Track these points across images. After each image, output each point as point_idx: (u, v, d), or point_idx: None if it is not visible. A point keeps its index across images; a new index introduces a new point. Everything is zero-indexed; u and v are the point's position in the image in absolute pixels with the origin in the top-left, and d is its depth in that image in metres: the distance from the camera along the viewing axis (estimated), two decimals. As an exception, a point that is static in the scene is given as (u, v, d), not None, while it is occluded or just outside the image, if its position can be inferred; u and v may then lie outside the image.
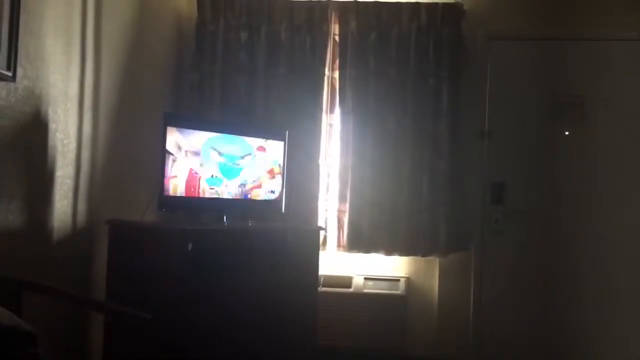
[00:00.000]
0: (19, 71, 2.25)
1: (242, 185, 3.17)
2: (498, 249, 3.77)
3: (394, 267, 3.81)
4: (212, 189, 3.03)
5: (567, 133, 3.77)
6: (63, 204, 2.65)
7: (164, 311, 2.47)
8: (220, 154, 3.06)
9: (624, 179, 3.69)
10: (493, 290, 3.75)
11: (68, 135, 2.67)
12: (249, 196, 3.21)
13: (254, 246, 3.00)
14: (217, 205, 3.08)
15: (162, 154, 2.84)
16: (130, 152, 3.20)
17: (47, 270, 2.49)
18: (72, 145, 2.72)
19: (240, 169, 3.15)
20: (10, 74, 2.18)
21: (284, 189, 3.38)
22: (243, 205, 3.22)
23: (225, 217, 3.09)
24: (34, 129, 2.43)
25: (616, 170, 3.70)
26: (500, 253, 3.77)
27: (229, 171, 3.11)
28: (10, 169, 2.30)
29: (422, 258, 3.73)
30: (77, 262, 2.80)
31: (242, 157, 3.17)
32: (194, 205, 3.02)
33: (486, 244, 3.77)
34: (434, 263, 3.78)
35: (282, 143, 3.37)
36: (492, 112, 3.79)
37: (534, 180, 3.77)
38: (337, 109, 3.82)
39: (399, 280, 3.74)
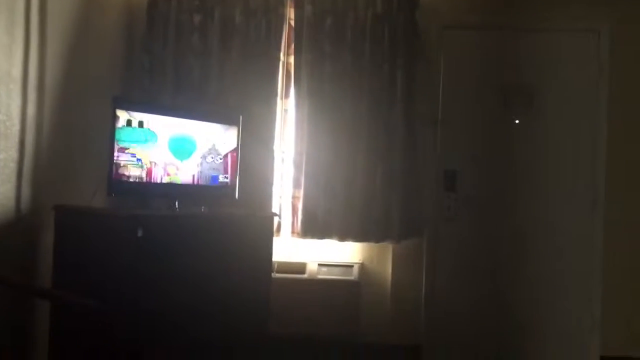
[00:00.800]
0: (-43, 49, 2.14)
1: (195, 170, 3.12)
2: (450, 236, 3.83)
3: (348, 253, 3.83)
4: (163, 174, 2.97)
5: (517, 122, 3.85)
6: (6, 188, 2.55)
7: (112, 298, 2.41)
8: (171, 138, 2.99)
9: (571, 166, 3.81)
10: (445, 276, 3.81)
11: (11, 117, 2.56)
12: (201, 182, 3.15)
13: (206, 233, 2.96)
14: (169, 190, 3.02)
15: (111, 138, 2.76)
16: (78, 135, 3.10)
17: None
18: (15, 128, 2.61)
19: (192, 153, 3.10)
20: (-54, 51, 2.07)
21: (238, 175, 3.34)
22: (195, 191, 3.17)
23: (177, 203, 3.04)
24: (-27, 110, 2.32)
25: (564, 158, 3.81)
26: (452, 239, 3.83)
27: (180, 155, 3.05)
28: (-53, 151, 2.19)
29: (376, 244, 3.75)
30: (22, 249, 2.70)
31: (194, 142, 3.12)
32: (144, 191, 2.95)
33: (439, 231, 3.82)
34: (388, 249, 3.81)
35: (236, 128, 3.32)
36: (445, 100, 3.84)
37: (485, 168, 3.84)
38: (292, 95, 3.79)
39: (352, 266, 3.76)
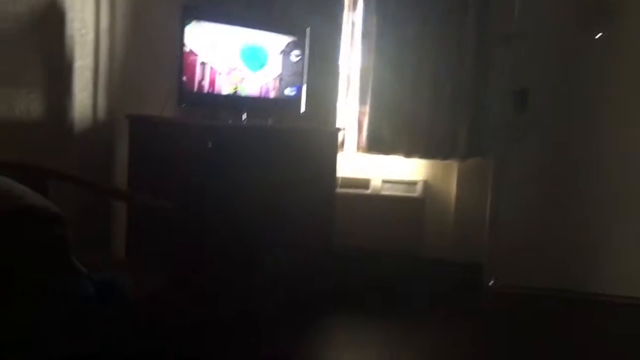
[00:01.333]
0: (34, -46, 2.17)
1: (263, 82, 3.12)
2: (518, 157, 3.72)
3: (411, 170, 3.81)
4: (232, 85, 2.99)
5: (597, 37, 3.61)
6: (83, 96, 2.64)
7: (182, 203, 2.50)
8: (241, 48, 2.99)
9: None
10: (510, 197, 3.74)
11: (85, 25, 2.61)
12: (269, 95, 3.16)
13: (272, 145, 2.99)
14: (236, 102, 3.05)
15: (180, 48, 2.78)
16: (148, 45, 3.13)
17: (70, 161, 2.51)
18: (90, 36, 2.66)
19: (263, 64, 3.09)
20: (24, -45, 2.10)
21: (304, 89, 3.32)
22: (262, 104, 3.18)
23: (244, 115, 3.07)
24: (50, 18, 2.37)
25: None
26: (519, 160, 3.72)
27: (252, 65, 3.05)
28: (29, 57, 2.28)
29: (441, 162, 3.72)
30: (99, 155, 2.82)
31: (263, 54, 3.10)
32: (213, 102, 2.98)
33: (506, 151, 3.72)
34: (453, 167, 3.77)
35: (303, 41, 3.27)
36: (520, 13, 3.62)
37: (559, 87, 3.66)
38: (360, 7, 3.68)
39: (416, 183, 3.75)
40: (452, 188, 3.80)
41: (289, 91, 3.25)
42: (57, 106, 2.47)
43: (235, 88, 3.01)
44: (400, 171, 3.80)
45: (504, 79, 3.65)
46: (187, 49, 2.77)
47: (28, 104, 2.28)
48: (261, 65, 3.08)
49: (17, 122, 2.25)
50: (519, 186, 3.73)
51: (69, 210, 1.64)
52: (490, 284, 3.74)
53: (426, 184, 3.79)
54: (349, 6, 3.68)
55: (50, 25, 2.38)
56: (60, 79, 2.48)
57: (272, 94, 3.17)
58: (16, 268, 1.53)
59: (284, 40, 3.18)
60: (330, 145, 3.36)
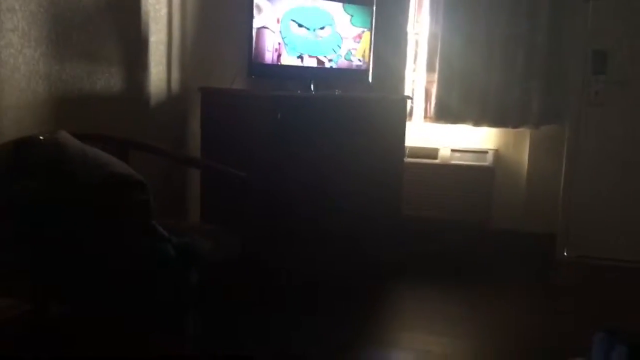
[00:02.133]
0: None
1: (329, 50, 3.12)
2: (596, 123, 3.57)
3: (482, 139, 3.73)
4: (297, 58, 3.01)
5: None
6: (158, 70, 2.73)
7: (254, 172, 2.56)
8: (300, 25, 2.99)
9: None
10: (587, 167, 3.60)
11: (159, 0, 2.69)
12: (336, 65, 3.16)
13: (340, 115, 3.00)
14: (305, 73, 3.07)
15: (249, 20, 2.82)
16: (218, 18, 3.20)
17: (147, 132, 2.62)
18: (164, 11, 2.74)
19: (321, 40, 3.09)
20: None
21: (371, 58, 3.30)
22: (330, 74, 3.19)
23: (312, 86, 3.09)
24: (126, -6, 2.46)
25: None
26: (598, 127, 3.57)
27: (309, 44, 3.06)
28: (108, 32, 2.37)
29: (513, 130, 3.62)
30: (173, 126, 2.93)
31: (323, 28, 3.09)
32: (282, 73, 3.02)
33: (583, 117, 3.57)
34: (525, 135, 3.67)
35: (370, 8, 3.24)
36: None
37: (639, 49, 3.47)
38: (428, -28, 3.61)
39: (486, 152, 3.67)
40: (524, 157, 3.70)
41: (356, 60, 3.24)
42: (135, 80, 2.58)
43: (301, 61, 3.03)
44: (469, 140, 3.73)
45: (580, 40, 3.49)
46: (256, 21, 2.81)
47: (108, 79, 2.39)
48: (318, 43, 3.08)
49: (99, 96, 2.36)
50: (596, 154, 3.59)
51: (148, 178, 1.72)
52: (564, 254, 3.64)
53: (497, 153, 3.70)
54: (416, -28, 3.61)
55: (127, 1, 2.46)
56: (137, 53, 2.58)
57: (338, 65, 3.17)
58: (103, 230, 1.63)
59: (351, 8, 3.15)
60: (398, 115, 3.34)
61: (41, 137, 1.80)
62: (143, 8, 2.57)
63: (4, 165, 1.67)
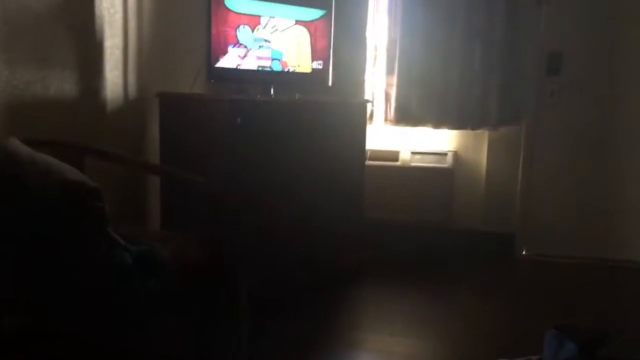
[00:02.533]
0: None
1: (283, 58, 3.12)
2: (551, 123, 3.66)
3: (441, 141, 3.78)
4: (257, 61, 3.00)
5: (633, -2, 3.51)
6: (114, 75, 2.68)
7: (214, 177, 2.53)
8: (263, 26, 2.99)
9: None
10: (543, 166, 3.70)
11: (114, 4, 2.64)
12: (294, 69, 3.16)
13: (301, 119, 3.00)
14: (264, 77, 3.06)
15: (208, 23, 2.79)
16: (176, 23, 3.16)
17: (103, 139, 2.57)
18: (119, 15, 2.69)
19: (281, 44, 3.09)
20: None
21: (330, 62, 3.30)
22: (290, 78, 3.19)
23: (272, 90, 3.08)
24: (79, -3, 2.41)
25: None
26: (553, 127, 3.66)
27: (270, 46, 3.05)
28: (61, 36, 2.32)
29: (471, 132, 3.68)
30: (131, 132, 2.87)
31: (284, 30, 3.09)
32: (241, 77, 3.00)
33: (539, 118, 3.66)
34: (483, 137, 3.73)
35: (328, 13, 3.25)
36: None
37: (594, 50, 3.57)
38: (385, -23, 3.64)
39: (446, 154, 3.73)
40: (483, 158, 3.77)
41: (315, 64, 3.24)
42: (90, 85, 2.52)
43: (260, 65, 3.02)
44: (429, 142, 3.78)
45: (536, 43, 3.57)
46: (214, 24, 2.79)
47: (62, 83, 2.33)
48: (279, 43, 3.08)
49: (52, 101, 2.30)
50: (552, 155, 3.68)
51: (104, 185, 1.68)
52: (523, 253, 3.72)
53: (456, 155, 3.76)
54: (374, -24, 3.64)
55: (80, 5, 2.41)
56: (92, 58, 2.53)
57: (297, 69, 3.17)
58: (56, 240, 1.59)
59: (310, 13, 3.16)
60: (358, 118, 3.35)
61: (-10, 145, 1.75)
62: (97, 12, 2.51)
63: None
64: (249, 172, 2.75)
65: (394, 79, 3.65)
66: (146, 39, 2.92)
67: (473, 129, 3.64)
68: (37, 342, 1.66)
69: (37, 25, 2.20)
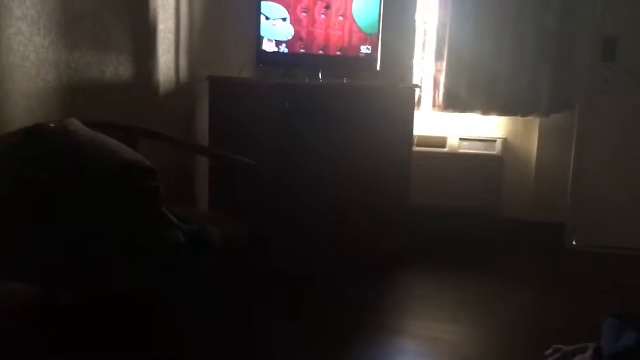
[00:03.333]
0: None
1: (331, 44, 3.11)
2: (606, 111, 3.54)
3: (491, 128, 3.72)
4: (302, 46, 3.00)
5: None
6: (166, 58, 2.73)
7: (261, 161, 2.56)
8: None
9: None
10: (596, 155, 3.59)
11: (167, -12, 2.69)
12: (345, 53, 3.15)
13: (349, 103, 2.99)
14: (312, 61, 3.06)
15: (257, 8, 2.81)
16: (226, 7, 3.19)
17: (155, 120, 2.62)
18: (171, 0, 2.74)
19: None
20: None
21: (380, 47, 3.28)
22: (338, 62, 3.18)
23: (320, 74, 3.08)
24: (135, -18, 2.46)
25: None
26: (608, 115, 3.55)
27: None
28: (117, 21, 2.37)
29: (522, 119, 3.60)
30: (181, 114, 2.93)
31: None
32: (290, 61, 3.02)
33: (593, 105, 3.55)
34: (534, 124, 3.65)
35: (378, -3, 3.23)
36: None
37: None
38: (437, -40, 3.58)
39: (495, 141, 3.66)
40: (533, 146, 3.68)
41: (364, 49, 3.23)
42: (143, 68, 2.58)
43: (306, 49, 3.02)
44: (478, 129, 3.71)
45: (590, 27, 3.46)
46: (263, 9, 2.80)
47: (117, 67, 2.39)
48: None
49: (108, 85, 2.37)
50: (606, 143, 3.57)
51: (157, 165, 1.72)
52: (573, 244, 3.63)
53: (505, 142, 3.69)
54: (425, -40, 3.59)
55: (135, -11, 2.47)
56: (146, 42, 2.58)
57: (346, 53, 3.16)
58: (113, 217, 1.64)
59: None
60: (406, 104, 3.33)
61: (51, 125, 1.81)
62: (151, -4, 2.56)
63: (16, 153, 1.68)
64: (297, 156, 2.77)
65: (443, 65, 3.60)
66: (197, 23, 2.96)
67: (523, 115, 3.56)
68: (91, 317, 1.72)
69: (94, 9, 2.26)
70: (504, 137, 3.70)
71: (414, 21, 3.59)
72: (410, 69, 3.62)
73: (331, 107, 2.91)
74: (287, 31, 2.94)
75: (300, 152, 2.78)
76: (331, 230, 2.92)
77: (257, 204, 2.64)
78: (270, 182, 2.68)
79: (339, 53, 3.13)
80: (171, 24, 2.75)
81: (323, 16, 3.04)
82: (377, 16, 3.20)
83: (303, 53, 3.01)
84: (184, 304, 1.94)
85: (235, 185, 2.71)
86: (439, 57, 3.66)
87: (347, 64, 3.23)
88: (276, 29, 2.91)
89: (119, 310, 1.75)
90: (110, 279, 1.71)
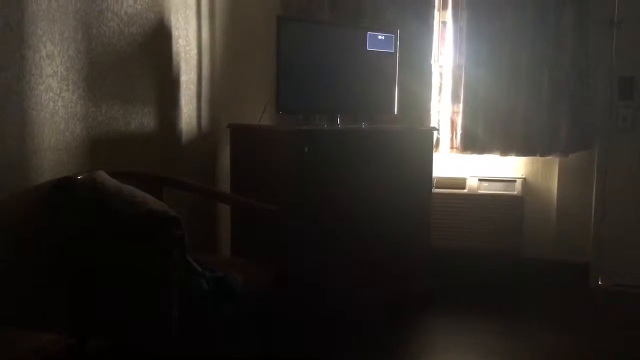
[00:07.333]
0: (143, -22, 2.35)
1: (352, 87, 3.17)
2: (625, 149, 3.54)
3: (510, 168, 3.72)
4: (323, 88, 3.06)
5: None
6: (189, 108, 2.82)
7: (283, 206, 2.58)
8: (327, 55, 3.05)
9: None
10: (618, 193, 3.56)
11: (189, 41, 2.79)
12: (363, 97, 3.20)
13: (367, 147, 3.03)
14: (332, 106, 3.12)
15: (277, 56, 2.89)
16: (245, 57, 3.28)
17: (178, 168, 2.69)
18: (193, 52, 2.83)
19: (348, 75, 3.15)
20: (135, -20, 2.29)
21: (396, 90, 3.34)
22: (356, 106, 3.24)
23: (338, 119, 3.13)
24: (158, 36, 2.56)
25: None
26: (627, 154, 3.54)
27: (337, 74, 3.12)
28: (141, 74, 2.46)
29: (541, 158, 3.60)
30: (203, 162, 2.99)
31: (352, 60, 3.15)
32: (309, 107, 3.07)
33: (612, 144, 3.55)
34: (553, 163, 3.64)
35: (393, 42, 3.30)
36: (622, -2, 3.45)
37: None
38: (450, 6, 3.66)
39: (515, 181, 3.65)
40: (554, 185, 3.67)
41: (382, 93, 3.28)
42: (167, 118, 2.66)
43: (327, 93, 3.08)
44: (497, 169, 3.72)
45: (607, 67, 3.49)
46: (282, 57, 2.88)
47: (142, 118, 2.47)
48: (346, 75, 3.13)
49: (133, 135, 2.44)
50: (627, 180, 3.55)
51: (180, 213, 1.76)
52: (599, 283, 3.57)
53: (525, 182, 3.68)
54: (439, 4, 3.67)
55: (159, 42, 2.56)
56: (169, 93, 2.67)
57: (366, 96, 3.22)
58: (139, 265, 1.67)
59: (375, 42, 3.21)
60: (425, 146, 3.35)
61: (80, 177, 1.87)
62: (174, 49, 2.66)
63: (45, 204, 1.73)
64: (317, 201, 2.80)
65: (460, 107, 3.64)
66: (218, 73, 3.06)
67: (542, 155, 3.56)
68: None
69: (120, 64, 2.35)
70: (524, 176, 3.70)
71: (430, 65, 3.65)
72: (427, 112, 3.66)
73: (350, 151, 2.95)
74: (305, 79, 3.01)
75: (321, 196, 2.80)
76: (353, 273, 2.92)
77: (280, 249, 2.66)
78: (291, 226, 2.70)
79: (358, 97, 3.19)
80: (193, 75, 2.84)
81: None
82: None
83: (320, 98, 3.06)
84: (210, 350, 1.95)
85: (257, 229, 2.74)
86: (455, 99, 3.70)
87: (364, 107, 3.28)
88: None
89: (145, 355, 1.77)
90: (136, 327, 1.73)
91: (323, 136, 2.90)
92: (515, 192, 3.60)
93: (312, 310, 2.69)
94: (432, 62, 3.66)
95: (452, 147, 3.74)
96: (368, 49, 3.19)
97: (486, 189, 3.64)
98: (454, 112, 3.72)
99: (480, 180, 3.68)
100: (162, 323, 1.68)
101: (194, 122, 2.88)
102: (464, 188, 3.67)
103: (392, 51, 3.28)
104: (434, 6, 3.63)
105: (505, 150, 3.59)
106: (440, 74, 3.76)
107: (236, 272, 2.02)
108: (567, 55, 3.42)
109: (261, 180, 2.81)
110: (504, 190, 3.62)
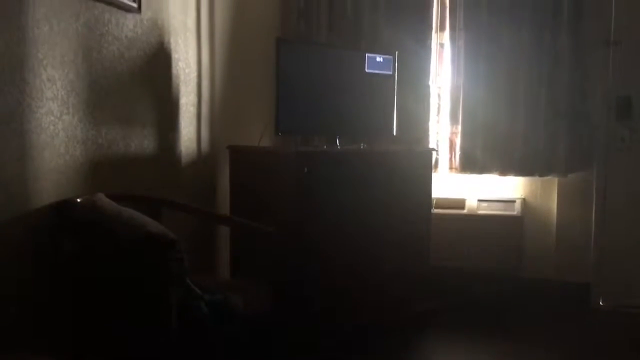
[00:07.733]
0: (143, 3, 2.38)
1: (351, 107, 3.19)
2: (623, 169, 3.54)
3: (509, 189, 3.72)
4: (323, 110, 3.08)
5: None
6: (188, 130, 2.83)
7: (283, 227, 2.58)
8: (326, 77, 3.08)
9: None
10: (618, 213, 3.55)
11: (189, 64, 2.81)
12: (362, 119, 3.22)
13: (367, 168, 3.04)
14: (331, 128, 3.13)
15: (276, 79, 2.91)
16: (244, 79, 3.31)
17: (178, 190, 2.69)
18: (193, 75, 2.85)
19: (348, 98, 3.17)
20: (135, 5, 2.32)
21: (394, 111, 3.36)
22: (355, 127, 3.25)
23: (337, 140, 3.15)
24: (158, 59, 2.58)
25: None
26: (625, 172, 3.54)
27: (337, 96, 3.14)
28: (141, 96, 2.48)
29: (540, 178, 3.61)
30: (203, 184, 3.00)
31: (351, 82, 3.17)
32: (308, 129, 3.09)
33: (610, 164, 3.56)
34: (552, 184, 3.65)
35: (391, 63, 3.32)
36: (619, 17, 3.48)
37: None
38: (448, 27, 3.69)
39: (514, 201, 3.66)
40: (553, 205, 3.67)
41: (381, 114, 3.30)
42: (167, 141, 2.66)
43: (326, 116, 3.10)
44: (496, 190, 3.72)
45: (604, 87, 3.51)
46: (281, 79, 2.90)
47: (142, 140, 2.47)
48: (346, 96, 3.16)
49: (133, 158, 2.45)
50: (627, 199, 3.55)
51: (179, 235, 1.76)
52: (600, 304, 3.56)
53: (524, 202, 3.68)
54: (437, 26, 3.70)
55: (159, 65, 2.58)
56: (169, 115, 2.68)
57: (365, 117, 3.24)
58: (138, 288, 1.67)
59: (373, 64, 3.24)
60: (424, 166, 3.36)
61: (79, 200, 1.87)
62: (174, 72, 2.68)
63: (45, 227, 1.73)
64: (317, 221, 2.80)
65: (458, 127, 3.66)
66: (218, 95, 3.07)
67: (541, 175, 3.57)
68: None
69: (120, 87, 2.36)
70: (523, 197, 3.70)
71: (428, 86, 3.67)
72: (426, 132, 3.68)
73: (349, 172, 2.96)
74: (304, 100, 3.03)
75: (320, 217, 2.81)
76: (353, 294, 2.91)
77: (279, 270, 2.65)
78: (291, 247, 2.70)
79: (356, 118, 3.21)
80: (193, 97, 2.86)
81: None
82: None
83: (319, 120, 3.08)
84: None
85: (257, 250, 2.73)
86: (453, 119, 3.72)
87: (363, 128, 3.30)
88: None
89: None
90: (135, 349, 1.72)
91: (322, 157, 2.91)
92: (515, 213, 3.60)
93: (311, 330, 2.67)
94: (430, 83, 3.69)
95: (451, 168, 3.75)
96: (367, 70, 3.23)
97: (486, 210, 3.64)
98: (452, 133, 3.73)
99: (479, 200, 3.69)
100: (162, 346, 1.67)
101: (193, 144, 2.89)
102: (463, 208, 3.67)
103: (391, 73, 3.32)
104: (432, 28, 3.67)
105: (504, 171, 3.60)
106: (439, 95, 3.79)
107: (236, 294, 2.01)
108: (564, 75, 3.45)
109: (261, 202, 2.81)
110: (504, 211, 3.62)
